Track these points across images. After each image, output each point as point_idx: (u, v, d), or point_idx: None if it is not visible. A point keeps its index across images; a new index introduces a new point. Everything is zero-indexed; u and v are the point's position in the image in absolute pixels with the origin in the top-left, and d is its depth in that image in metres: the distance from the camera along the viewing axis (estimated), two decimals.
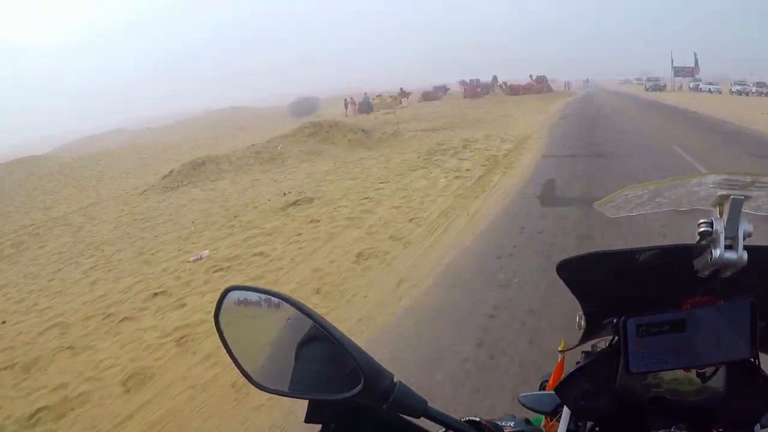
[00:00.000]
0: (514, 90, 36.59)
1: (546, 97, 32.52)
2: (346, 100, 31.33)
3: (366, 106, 26.55)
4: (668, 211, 0.64)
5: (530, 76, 42.79)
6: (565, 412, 0.67)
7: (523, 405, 0.73)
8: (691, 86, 45.03)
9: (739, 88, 35.75)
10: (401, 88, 32.33)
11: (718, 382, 0.62)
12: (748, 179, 0.53)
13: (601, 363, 0.61)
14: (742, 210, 0.54)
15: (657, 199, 0.60)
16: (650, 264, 0.56)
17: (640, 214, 0.64)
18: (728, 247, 0.52)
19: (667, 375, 0.62)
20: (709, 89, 38.85)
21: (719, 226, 0.52)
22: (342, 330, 0.50)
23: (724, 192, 0.53)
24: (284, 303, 0.51)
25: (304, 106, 41.67)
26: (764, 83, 35.88)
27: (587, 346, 0.69)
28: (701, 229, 0.53)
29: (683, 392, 0.63)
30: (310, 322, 0.50)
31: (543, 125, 14.85)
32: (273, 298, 0.52)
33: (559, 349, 0.79)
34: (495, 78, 42.85)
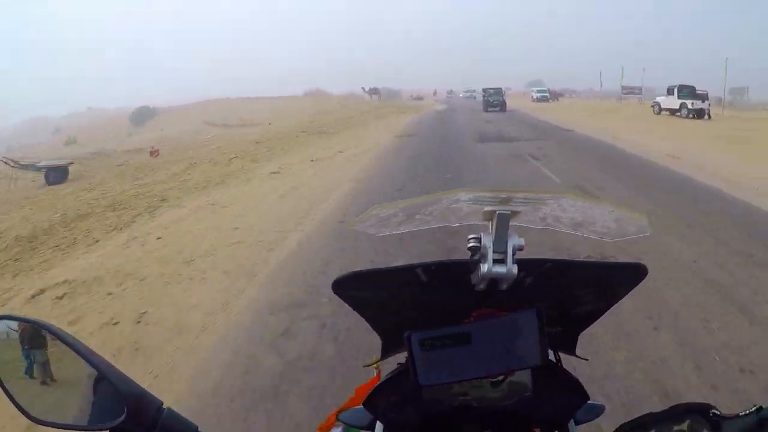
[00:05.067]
0: None
1: None
2: None
3: None
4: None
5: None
6: (379, 425, 0.67)
7: (342, 422, 0.71)
8: None
9: None
10: None
11: (525, 386, 0.63)
12: (504, 195, 0.54)
13: (404, 375, 0.61)
14: (514, 224, 0.54)
15: (417, 217, 0.60)
16: (429, 280, 0.56)
17: None
18: (499, 261, 0.53)
19: (469, 383, 0.63)
20: None
21: (488, 241, 0.53)
22: None
23: (490, 208, 0.54)
24: (46, 331, 0.49)
25: None
26: None
27: (402, 358, 0.68)
28: (470, 245, 0.54)
29: (491, 398, 0.64)
30: (69, 350, 0.48)
31: None
32: (37, 327, 0.50)
33: (367, 364, 0.77)
34: None
